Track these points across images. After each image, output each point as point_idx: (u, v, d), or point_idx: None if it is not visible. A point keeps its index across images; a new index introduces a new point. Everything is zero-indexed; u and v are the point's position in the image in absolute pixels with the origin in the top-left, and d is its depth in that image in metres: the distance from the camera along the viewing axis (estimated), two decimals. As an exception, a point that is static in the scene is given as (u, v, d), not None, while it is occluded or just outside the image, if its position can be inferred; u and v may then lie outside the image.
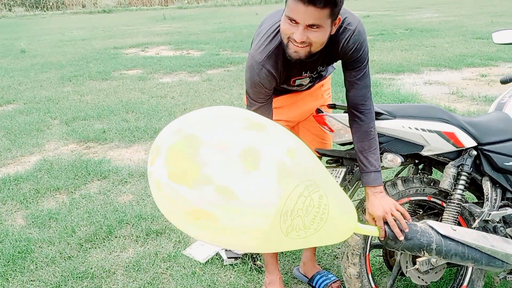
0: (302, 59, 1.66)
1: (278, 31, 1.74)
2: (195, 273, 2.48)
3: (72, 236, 2.88)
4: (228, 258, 2.56)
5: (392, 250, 1.90)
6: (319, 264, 2.49)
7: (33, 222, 3.08)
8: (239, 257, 2.56)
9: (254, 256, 2.57)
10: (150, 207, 3.21)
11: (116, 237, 2.87)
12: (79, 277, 2.48)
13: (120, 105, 6.06)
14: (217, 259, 2.59)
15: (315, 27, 1.55)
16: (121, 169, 3.91)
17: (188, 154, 1.38)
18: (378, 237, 1.80)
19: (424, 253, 1.80)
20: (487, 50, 8.37)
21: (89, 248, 2.76)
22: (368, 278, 1.97)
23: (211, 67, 8.59)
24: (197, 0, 35.08)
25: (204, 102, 6.03)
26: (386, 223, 1.78)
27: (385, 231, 1.77)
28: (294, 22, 1.56)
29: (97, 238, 2.85)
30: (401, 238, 1.76)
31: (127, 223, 3.02)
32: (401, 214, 1.78)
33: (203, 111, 1.54)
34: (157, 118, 5.36)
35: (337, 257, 2.61)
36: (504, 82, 2.59)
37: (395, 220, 1.77)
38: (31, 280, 2.48)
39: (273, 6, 27.22)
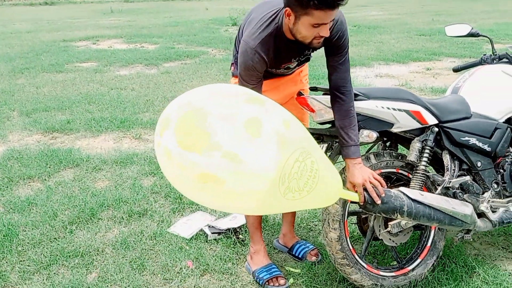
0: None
1: (272, 20, 1.95)
2: (182, 248, 2.64)
3: (55, 219, 2.94)
4: (212, 233, 2.73)
5: (370, 213, 2.15)
6: (296, 236, 2.70)
7: (12, 208, 3.10)
8: (223, 232, 2.74)
9: (237, 230, 2.75)
10: (129, 191, 3.31)
11: (99, 219, 2.96)
12: (69, 256, 2.57)
13: (80, 96, 6.03)
14: (201, 235, 2.76)
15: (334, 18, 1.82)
16: (92, 157, 3.97)
17: (197, 124, 1.56)
18: (358, 202, 2.04)
19: (397, 215, 2.06)
20: (431, 46, 8.95)
21: (74, 230, 2.84)
22: (347, 241, 2.20)
23: (168, 60, 8.64)
24: (144, -7, 34.51)
25: (166, 93, 6.11)
26: (365, 190, 2.02)
27: (364, 196, 2.01)
28: (319, 25, 1.80)
29: (80, 221, 2.93)
30: (378, 202, 2.01)
31: (107, 206, 3.11)
32: (378, 181, 2.03)
33: (208, 87, 1.72)
34: (121, 109, 5.40)
35: (312, 230, 2.84)
36: (456, 70, 2.91)
37: (373, 187, 2.01)
38: (21, 261, 2.54)
39: (221, 1, 27.29)
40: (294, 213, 2.62)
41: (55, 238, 2.75)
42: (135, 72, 7.68)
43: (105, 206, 3.10)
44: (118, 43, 10.91)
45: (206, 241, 2.70)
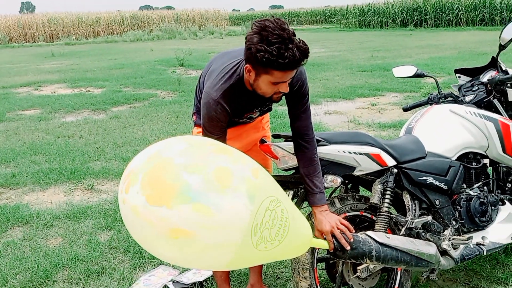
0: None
1: (234, 71, 1.96)
2: (146, 307, 2.52)
3: (5, 285, 2.74)
4: (177, 289, 2.63)
5: (340, 259, 2.15)
6: (264, 285, 2.65)
7: (-45, 276, 2.86)
8: (188, 287, 2.64)
9: (203, 284, 2.67)
10: (85, 248, 3.15)
11: (54, 281, 2.78)
12: (23, 326, 2.38)
13: (25, 147, 5.77)
14: (165, 291, 2.65)
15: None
16: (42, 212, 3.76)
17: (165, 177, 1.52)
18: (328, 249, 2.03)
19: (366, 260, 2.07)
20: (373, 82, 9.34)
21: (27, 296, 2.65)
22: (318, 289, 2.18)
23: (115, 104, 8.49)
24: (86, 36, 34.18)
25: (116, 139, 5.97)
26: (333, 236, 2.02)
27: (334, 243, 2.01)
28: (279, 82, 1.83)
29: (33, 285, 2.74)
30: (348, 248, 2.01)
31: (62, 266, 2.94)
32: (346, 227, 2.05)
33: (173, 139, 1.70)
34: (70, 159, 5.20)
35: (279, 277, 2.80)
36: (405, 109, 3.04)
37: (341, 233, 2.02)
38: (-32, 336, 2.33)
39: (166, 42, 27.44)
40: (261, 265, 2.57)
41: (6, 307, 2.55)
42: (82, 118, 7.48)
43: (59, 267, 2.92)
44: (62, 88, 10.63)
45: (171, 298, 2.60)
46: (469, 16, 28.62)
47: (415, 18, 30.75)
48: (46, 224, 3.56)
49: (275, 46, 1.72)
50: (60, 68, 14.61)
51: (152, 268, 2.89)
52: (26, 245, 3.24)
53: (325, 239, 2.05)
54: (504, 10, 27.10)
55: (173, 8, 53.17)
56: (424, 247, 2.22)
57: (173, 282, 2.68)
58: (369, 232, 2.15)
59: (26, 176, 4.66)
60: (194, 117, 2.39)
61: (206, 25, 38.40)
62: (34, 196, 4.21)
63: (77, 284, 2.77)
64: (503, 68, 2.80)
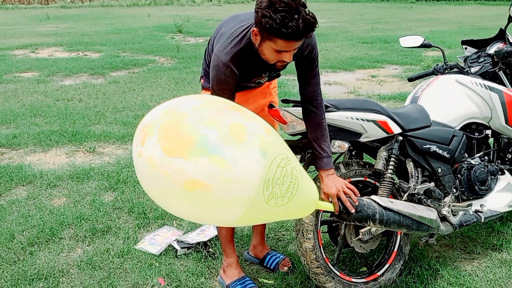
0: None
1: (244, 35, 1.96)
2: (152, 264, 2.58)
3: (12, 241, 2.79)
4: (182, 248, 2.69)
5: (344, 222, 2.21)
6: (266, 246, 2.72)
7: (-39, 231, 2.91)
8: (192, 246, 2.71)
9: (207, 244, 2.73)
10: (89, 208, 3.20)
11: (61, 239, 2.84)
12: (32, 279, 2.45)
13: (24, 108, 5.75)
14: (170, 250, 2.71)
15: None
16: (45, 173, 3.79)
17: (182, 130, 1.54)
18: (333, 212, 2.09)
19: (369, 223, 2.13)
20: (373, 54, 9.30)
21: (35, 251, 2.70)
22: (321, 250, 2.25)
23: (114, 69, 8.42)
24: (81, -1, 33.47)
25: (116, 104, 5.96)
26: (339, 199, 2.07)
27: (339, 206, 2.06)
28: (281, 51, 1.82)
29: (40, 241, 2.80)
30: (353, 211, 2.07)
31: (68, 224, 2.99)
32: (351, 190, 2.09)
33: (187, 96, 1.73)
34: (71, 121, 5.20)
35: (280, 240, 2.87)
36: (411, 79, 3.06)
37: (346, 197, 2.07)
38: (-21, 288, 2.39)
39: (163, 7, 26.97)
40: (264, 224, 2.63)
41: (14, 261, 2.61)
42: (81, 82, 7.43)
43: (65, 225, 2.98)
44: (59, 52, 10.50)
45: (176, 257, 2.66)
46: (471, -10, 28.24)
47: (416, -9, 30.30)
48: (49, 184, 3.60)
49: (280, 14, 1.71)
50: (56, 31, 14.39)
51: (157, 228, 2.95)
52: (31, 203, 3.28)
53: (331, 202, 2.10)
54: (507, -15, 26.76)
55: (171, -27, 51.97)
56: (425, 212, 2.28)
57: (178, 241, 2.74)
58: (373, 197, 2.20)
59: (27, 137, 4.67)
60: (202, 80, 2.39)
61: (204, -9, 37.65)
62: (36, 157, 4.23)
63: (83, 241, 2.82)
64: (511, 41, 2.81)
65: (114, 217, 3.09)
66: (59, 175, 3.75)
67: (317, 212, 2.21)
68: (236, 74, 1.99)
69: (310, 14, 1.77)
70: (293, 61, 2.13)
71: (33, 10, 26.18)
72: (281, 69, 2.03)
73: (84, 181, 3.65)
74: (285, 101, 2.32)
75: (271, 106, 2.33)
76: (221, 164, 1.50)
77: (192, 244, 2.72)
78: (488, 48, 2.87)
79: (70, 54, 10.08)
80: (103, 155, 4.27)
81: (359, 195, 2.13)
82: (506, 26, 2.83)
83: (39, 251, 2.72)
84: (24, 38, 12.76)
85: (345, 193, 2.08)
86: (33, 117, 5.38)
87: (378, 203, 2.16)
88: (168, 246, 2.74)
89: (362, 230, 2.27)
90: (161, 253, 2.68)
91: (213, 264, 2.60)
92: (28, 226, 2.95)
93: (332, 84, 7.01)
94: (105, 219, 3.05)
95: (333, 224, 2.42)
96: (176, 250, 2.69)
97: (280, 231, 2.95)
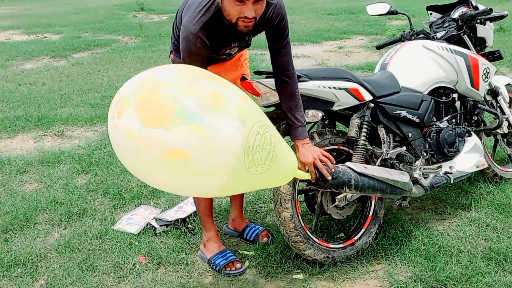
0: (251, 30, 1.89)
1: (211, 4, 1.94)
2: (131, 244, 2.57)
3: (-15, 229, 2.73)
4: (160, 226, 2.69)
5: (321, 189, 2.25)
6: (245, 219, 2.75)
7: None
8: (171, 224, 2.71)
9: (186, 220, 2.74)
10: (63, 192, 3.14)
11: (36, 224, 2.79)
12: (9, 266, 2.41)
13: (-15, 94, 5.55)
14: (149, 229, 2.70)
15: (260, 0, 1.78)
16: (14, 159, 3.69)
17: (160, 99, 1.52)
18: (310, 180, 2.12)
19: (345, 189, 2.18)
20: (339, 25, 9.32)
21: (10, 238, 2.65)
22: (299, 219, 2.29)
23: (76, 50, 8.17)
24: (36, -21, 32.10)
25: (82, 86, 5.81)
26: (315, 167, 2.10)
27: (316, 174, 2.10)
28: (241, 2, 1.78)
29: (14, 228, 2.74)
30: (329, 178, 2.10)
31: (42, 209, 2.94)
32: (327, 158, 2.13)
33: (163, 66, 1.70)
34: (35, 106, 5.05)
35: (258, 212, 2.91)
36: (379, 47, 3.09)
37: (323, 164, 2.10)
38: (-46, 278, 2.34)
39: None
40: (242, 197, 2.65)
41: (-11, 250, 2.55)
42: (43, 65, 7.19)
43: (39, 210, 2.92)
44: (16, 34, 10.11)
45: (155, 235, 2.66)
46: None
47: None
48: (19, 170, 3.51)
49: None
50: (12, 14, 13.82)
51: (133, 208, 2.93)
52: (1, 190, 3.20)
53: (307, 171, 2.13)
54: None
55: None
56: (398, 176, 2.35)
57: (156, 219, 2.74)
58: (348, 163, 2.24)
59: (-9, 124, 4.52)
60: (172, 55, 2.36)
61: (164, -32, 36.68)
62: (2, 144, 4.11)
63: (59, 225, 2.79)
64: (474, 4, 2.87)
65: (89, 200, 3.05)
66: (28, 160, 3.66)
67: (294, 182, 2.24)
68: (206, 44, 1.98)
69: None
70: (264, 32, 2.13)
71: (-15, -8, 24.98)
72: (244, 31, 1.96)
73: (54, 165, 3.58)
74: (257, 73, 2.32)
75: (243, 78, 2.32)
76: (201, 132, 1.50)
77: (171, 221, 2.72)
78: (452, 13, 2.93)
79: (28, 37, 9.72)
80: (72, 138, 4.19)
81: (334, 163, 2.17)
82: (468, -11, 2.88)
83: (14, 237, 2.67)
84: (-23, 21, 12.22)
85: (321, 161, 2.11)
86: (-5, 103, 5.20)
87: (353, 170, 2.20)
88: (147, 224, 2.73)
89: (338, 197, 2.31)
90: (140, 232, 2.67)
91: (193, 239, 2.61)
92: (1, 213, 2.88)
93: (300, 57, 7.01)
94: (80, 202, 3.01)
95: (310, 193, 2.46)
96: (155, 228, 2.69)
97: (257, 204, 2.98)
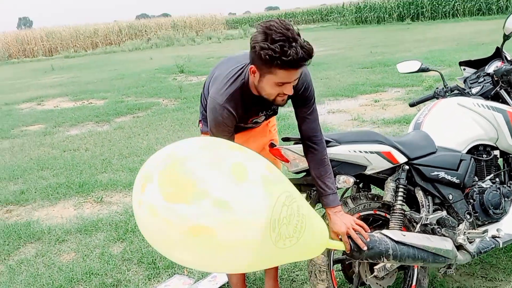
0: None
1: (238, 76, 1.96)
2: (164, 317, 2.51)
3: (21, 303, 2.74)
4: (194, 297, 2.62)
5: (357, 260, 2.13)
6: (280, 289, 2.65)
7: (-30, 296, 2.87)
8: (205, 295, 2.64)
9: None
10: (98, 262, 3.14)
11: (71, 297, 2.78)
12: None
13: (32, 162, 5.79)
14: (182, 300, 2.64)
15: (298, 78, 1.82)
16: (53, 228, 3.76)
17: (182, 173, 1.50)
18: (344, 250, 2.02)
19: (383, 259, 2.06)
20: (374, 78, 9.32)
21: (44, 313, 2.65)
22: (336, 291, 2.17)
23: (119, 115, 8.50)
24: (84, 48, 34.27)
25: (122, 150, 5.97)
26: (349, 237, 2.01)
27: (350, 244, 2.00)
28: (283, 83, 1.81)
29: (50, 301, 2.74)
30: (365, 248, 2.00)
31: (77, 281, 2.93)
32: (361, 227, 2.03)
33: (187, 140, 1.70)
34: (77, 172, 5.21)
35: (294, 281, 2.79)
36: (412, 105, 3.02)
37: (357, 233, 2.01)
38: None
39: (164, 49, 27.49)
40: (276, 268, 2.56)
41: (24, 325, 2.55)
42: (87, 130, 7.49)
43: (74, 282, 2.92)
44: (64, 102, 10.66)
45: (189, 307, 2.59)
46: (466, 6, 28.52)
47: (412, 11, 30.68)
48: (58, 239, 3.56)
49: (278, 43, 1.71)
50: (61, 82, 14.66)
51: (167, 278, 2.88)
52: (40, 261, 3.24)
53: (340, 240, 2.03)
54: (501, -1, 27.05)
55: (170, 16, 53.26)
56: (440, 243, 2.20)
57: (191, 291, 2.68)
58: (385, 231, 2.13)
59: (35, 192, 4.67)
60: (200, 124, 2.38)
61: (203, 30, 38.45)
62: (44, 212, 4.21)
63: (93, 298, 2.77)
64: (508, 58, 2.78)
65: (124, 269, 3.03)
66: (67, 229, 3.72)
67: (328, 251, 2.15)
68: (233, 114, 1.98)
69: (306, 42, 1.77)
70: (289, 99, 2.12)
71: (38, 62, 26.82)
72: (281, 104, 2.00)
73: (92, 233, 3.61)
74: (285, 139, 2.29)
75: (272, 145, 2.30)
76: (223, 206, 1.46)
77: (206, 292, 2.64)
78: (486, 67, 2.85)
79: (75, 104, 10.23)
80: (111, 204, 4.25)
81: (369, 231, 2.07)
82: (502, 44, 2.81)
83: (49, 311, 2.66)
84: (29, 91, 13.01)
85: (355, 230, 2.02)
86: (40, 171, 5.40)
87: (390, 238, 2.09)
88: (180, 296, 2.67)
89: (377, 267, 2.19)
90: (173, 304, 2.61)
91: (227, 312, 2.52)
92: (37, 286, 2.90)
93: (336, 112, 7.00)
94: (114, 272, 2.99)
95: (347, 262, 2.35)
96: (189, 300, 2.62)
97: (293, 271, 2.87)
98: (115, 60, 22.05)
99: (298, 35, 1.76)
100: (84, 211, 4.13)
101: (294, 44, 1.72)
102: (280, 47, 1.71)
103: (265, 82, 1.85)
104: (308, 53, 1.76)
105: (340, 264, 2.38)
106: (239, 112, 2.01)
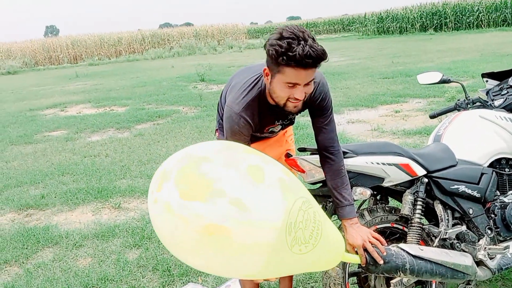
0: (300, 110, 1.90)
1: (255, 84, 1.95)
2: (177, 326, 2.50)
3: (37, 307, 2.76)
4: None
5: (373, 273, 2.09)
6: (295, 301, 2.61)
7: (-12, 299, 2.91)
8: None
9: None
10: (114, 267, 3.16)
11: (85, 302, 2.80)
12: None
13: (53, 168, 5.87)
14: (195, 309, 2.63)
15: (310, 82, 1.78)
16: (71, 232, 3.80)
17: (199, 172, 1.49)
18: (360, 264, 1.99)
19: (400, 273, 2.01)
20: (395, 88, 9.23)
21: (59, 317, 2.67)
22: (351, 305, 2.13)
23: (139, 122, 8.59)
24: (108, 56, 34.85)
25: (141, 157, 6.02)
26: (365, 250, 1.97)
27: (366, 257, 1.96)
28: (293, 85, 1.77)
29: (65, 306, 2.76)
30: (381, 262, 1.96)
31: (93, 286, 2.95)
32: (377, 240, 1.99)
33: (205, 143, 1.69)
34: (97, 178, 5.27)
35: (309, 292, 2.76)
36: (432, 116, 2.97)
37: (373, 247, 1.97)
38: None
39: (186, 58, 27.76)
40: (291, 277, 2.53)
41: (39, 329, 2.57)
42: (107, 137, 7.58)
43: (89, 287, 2.93)
44: (86, 108, 10.83)
45: (202, 316, 2.58)
46: (490, 17, 28.14)
47: (435, 22, 30.40)
48: (75, 244, 3.59)
49: (286, 40, 1.70)
50: (85, 89, 14.91)
51: (181, 286, 2.87)
52: (57, 266, 3.27)
53: (356, 252, 2.00)
54: (526, 10, 26.60)
55: (192, 25, 53.91)
56: (460, 258, 2.15)
57: (203, 300, 2.66)
58: (402, 245, 2.09)
59: (55, 197, 4.73)
60: (217, 133, 2.38)
61: (225, 39, 38.69)
62: (63, 217, 4.26)
63: (107, 304, 2.78)
64: (533, 70, 2.72)
65: (139, 276, 3.03)
66: (85, 234, 3.75)
67: (344, 264, 2.11)
68: (249, 123, 1.97)
69: (319, 45, 1.74)
70: (307, 109, 2.11)
71: (63, 69, 27.37)
72: (293, 112, 1.97)
73: (109, 239, 3.64)
74: (302, 150, 2.27)
75: (288, 155, 2.28)
76: (239, 205, 1.44)
77: (218, 302, 2.63)
78: (510, 79, 2.78)
79: (97, 110, 10.37)
80: (128, 210, 4.27)
81: (386, 244, 2.03)
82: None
83: (64, 316, 2.68)
84: (54, 97, 13.26)
85: (371, 243, 1.98)
86: (61, 176, 5.47)
87: (407, 252, 2.04)
88: (194, 304, 2.66)
89: (393, 281, 2.14)
90: (187, 312, 2.60)
91: (240, 322, 2.50)
92: (53, 290, 2.93)
93: (355, 122, 6.94)
94: (129, 279, 3.00)
95: (362, 275, 2.31)
96: (202, 309, 2.61)
97: (308, 283, 2.83)
98: (138, 68, 22.34)
99: (313, 39, 1.73)
100: (102, 217, 4.17)
101: (302, 42, 1.70)
102: (287, 43, 1.69)
103: (275, 82, 1.83)
104: (316, 53, 1.71)
105: (355, 277, 2.34)
106: (256, 121, 2.00)
